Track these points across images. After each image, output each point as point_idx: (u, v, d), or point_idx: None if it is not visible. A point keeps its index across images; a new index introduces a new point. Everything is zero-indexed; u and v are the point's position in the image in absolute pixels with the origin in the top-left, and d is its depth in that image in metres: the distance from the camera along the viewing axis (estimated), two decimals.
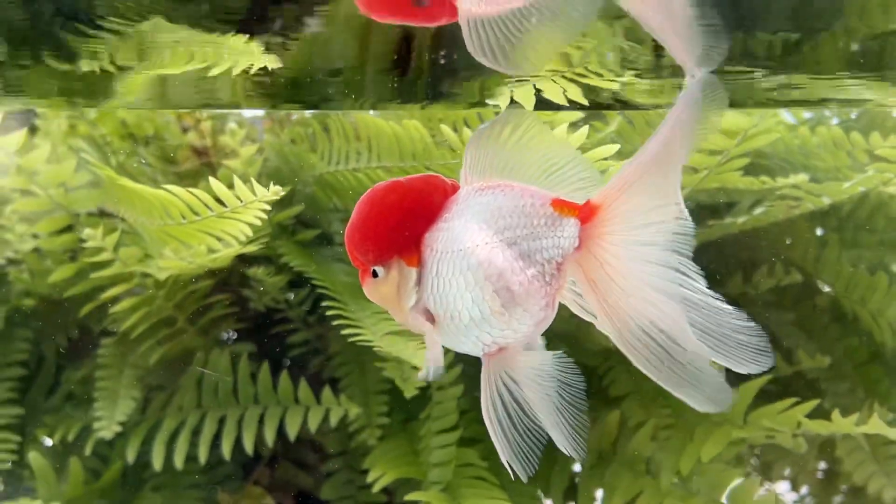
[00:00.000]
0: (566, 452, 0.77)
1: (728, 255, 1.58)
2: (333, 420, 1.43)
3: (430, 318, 0.79)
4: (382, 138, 1.35)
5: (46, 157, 1.43)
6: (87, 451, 1.56)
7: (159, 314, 1.54)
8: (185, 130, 1.93)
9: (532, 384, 0.77)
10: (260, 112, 1.89)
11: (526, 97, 0.99)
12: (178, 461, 1.53)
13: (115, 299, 1.54)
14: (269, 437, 1.48)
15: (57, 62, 1.26)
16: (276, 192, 1.11)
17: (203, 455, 1.52)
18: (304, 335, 1.62)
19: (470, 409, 1.43)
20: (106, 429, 1.53)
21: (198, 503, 1.62)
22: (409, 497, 1.26)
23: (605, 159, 1.03)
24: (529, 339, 0.78)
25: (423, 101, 1.40)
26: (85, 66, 1.24)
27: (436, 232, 0.78)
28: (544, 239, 0.75)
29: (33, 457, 1.51)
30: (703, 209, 1.51)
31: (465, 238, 0.77)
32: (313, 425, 1.45)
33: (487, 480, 1.34)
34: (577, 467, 1.56)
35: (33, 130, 1.61)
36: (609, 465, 1.45)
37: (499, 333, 0.76)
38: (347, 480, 1.59)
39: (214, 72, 1.10)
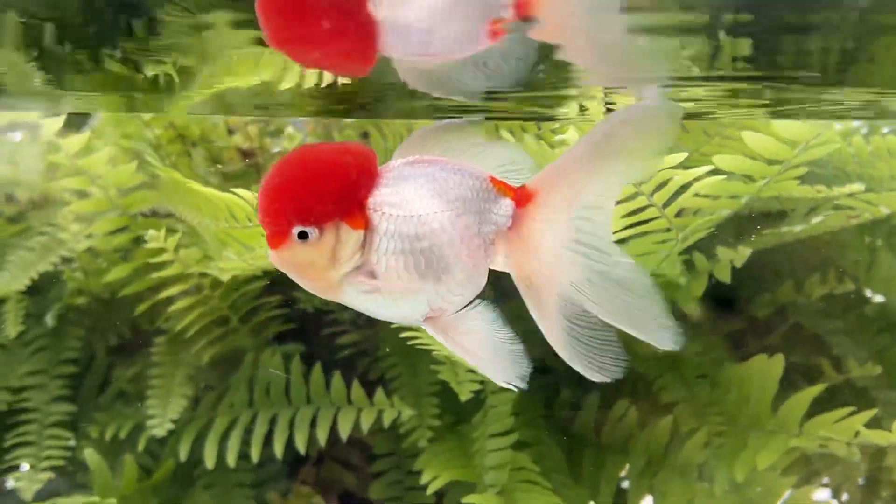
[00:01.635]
0: (510, 387, 0.79)
1: (781, 263, 1.58)
2: (387, 421, 1.45)
3: (371, 283, 0.78)
4: None
5: (108, 159, 1.45)
6: (140, 448, 1.58)
7: (213, 314, 1.56)
8: (231, 133, 1.96)
9: (471, 340, 0.79)
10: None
11: (596, 111, 1.00)
12: (231, 459, 1.54)
13: (168, 299, 1.57)
14: (322, 437, 1.50)
15: (118, 66, 1.27)
16: None
17: (255, 454, 1.53)
18: (354, 336, 1.64)
19: (520, 412, 1.44)
20: (159, 426, 1.55)
21: (247, 501, 1.64)
22: (466, 499, 1.27)
23: (673, 168, 1.03)
24: (460, 306, 0.80)
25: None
26: (150, 70, 1.26)
27: (382, 196, 0.78)
28: (485, 213, 0.79)
29: (89, 453, 1.53)
30: (758, 218, 1.51)
31: (420, 205, 0.78)
32: (366, 426, 1.46)
33: (539, 484, 1.35)
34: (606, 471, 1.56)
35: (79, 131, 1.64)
36: (659, 471, 1.45)
37: (439, 300, 0.79)
38: (395, 481, 1.61)
39: (284, 85, 1.11)
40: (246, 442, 1.56)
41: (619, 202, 1.11)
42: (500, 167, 0.83)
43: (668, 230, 1.18)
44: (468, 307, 0.81)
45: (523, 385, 0.80)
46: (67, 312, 1.71)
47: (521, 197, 0.79)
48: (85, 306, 1.71)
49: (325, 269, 0.78)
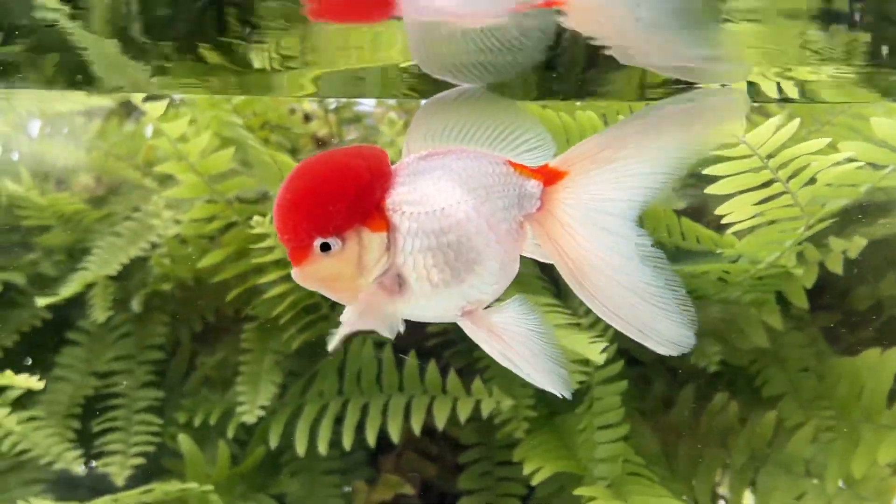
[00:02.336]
0: (553, 391, 0.78)
1: (883, 256, 1.54)
2: (485, 411, 1.43)
3: (399, 286, 0.76)
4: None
5: (205, 145, 1.44)
6: (230, 434, 1.58)
7: (304, 301, 1.55)
8: (307, 120, 1.94)
9: (508, 334, 0.77)
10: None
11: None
12: (323, 447, 1.54)
13: (256, 286, 1.56)
14: (416, 426, 1.48)
15: (214, 53, 1.26)
16: None
17: (347, 442, 1.52)
18: (444, 324, 1.62)
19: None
20: (249, 413, 1.55)
21: (334, 489, 1.63)
22: (577, 491, 1.25)
23: (815, 153, 1.00)
24: (496, 296, 0.79)
25: (573, 97, 1.39)
26: (256, 61, 1.24)
27: (400, 195, 0.76)
28: (509, 198, 0.77)
29: (183, 439, 1.53)
30: (861, 208, 1.47)
31: (441, 198, 0.76)
32: (463, 416, 1.45)
33: (645, 476, 1.32)
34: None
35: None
36: (763, 466, 1.42)
37: (475, 292, 0.77)
38: (485, 472, 1.59)
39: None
40: (336, 431, 1.55)
41: (752, 188, 1.08)
42: (518, 147, 0.80)
43: (795, 219, 1.15)
44: (504, 302, 0.79)
45: (567, 392, 0.78)
46: (153, 298, 1.70)
47: (550, 176, 0.78)
48: (170, 292, 1.70)
49: (352, 278, 0.76)
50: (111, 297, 1.66)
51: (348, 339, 1.61)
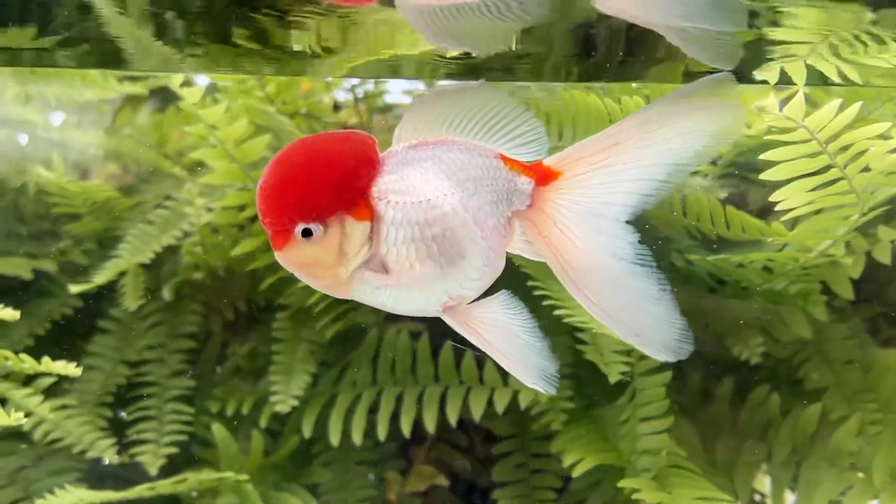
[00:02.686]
0: (538, 388, 0.77)
1: None
2: (523, 403, 1.41)
3: (383, 275, 0.75)
4: (591, 115, 1.32)
5: (242, 132, 1.43)
6: (263, 424, 1.57)
7: None
8: (336, 109, 1.93)
9: (492, 331, 0.77)
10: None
11: (797, 73, 0.95)
12: (357, 437, 1.52)
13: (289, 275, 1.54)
14: (453, 417, 1.47)
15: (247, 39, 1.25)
16: None
17: (382, 432, 1.51)
18: None
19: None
20: (282, 402, 1.53)
21: (366, 480, 1.62)
22: (620, 483, 1.24)
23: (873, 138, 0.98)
24: (483, 290, 0.78)
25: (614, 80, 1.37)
26: (296, 45, 1.23)
27: (386, 184, 0.75)
28: (498, 192, 0.76)
29: (217, 428, 1.52)
30: None
31: (428, 189, 0.75)
32: (500, 407, 1.43)
33: (688, 469, 1.30)
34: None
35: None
36: (805, 459, 1.40)
37: (458, 287, 0.75)
38: (519, 464, 1.57)
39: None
40: (369, 421, 1.54)
41: (808, 174, 1.06)
42: (512, 140, 0.79)
43: (850, 207, 1.12)
44: (489, 296, 0.78)
45: (552, 389, 0.77)
46: (184, 287, 1.69)
47: (543, 175, 0.77)
48: (201, 281, 1.69)
49: (333, 265, 0.74)
50: (142, 285, 1.65)
51: (383, 330, 1.60)
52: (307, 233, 0.73)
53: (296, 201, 0.72)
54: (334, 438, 1.53)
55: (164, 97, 1.89)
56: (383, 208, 0.74)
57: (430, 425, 1.48)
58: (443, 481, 1.58)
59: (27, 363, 1.25)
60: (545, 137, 0.79)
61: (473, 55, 1.10)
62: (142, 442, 1.57)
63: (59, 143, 1.89)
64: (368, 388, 1.57)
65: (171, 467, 1.55)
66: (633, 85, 1.30)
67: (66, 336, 1.71)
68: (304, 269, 0.75)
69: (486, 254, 0.76)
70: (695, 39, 0.88)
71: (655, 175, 0.76)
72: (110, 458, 1.52)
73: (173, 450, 1.55)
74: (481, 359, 1.48)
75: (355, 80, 1.84)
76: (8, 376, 1.54)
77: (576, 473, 1.31)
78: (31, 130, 1.87)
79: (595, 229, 0.76)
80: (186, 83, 1.48)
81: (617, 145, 0.75)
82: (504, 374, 1.46)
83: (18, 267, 1.70)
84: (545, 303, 1.25)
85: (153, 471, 1.53)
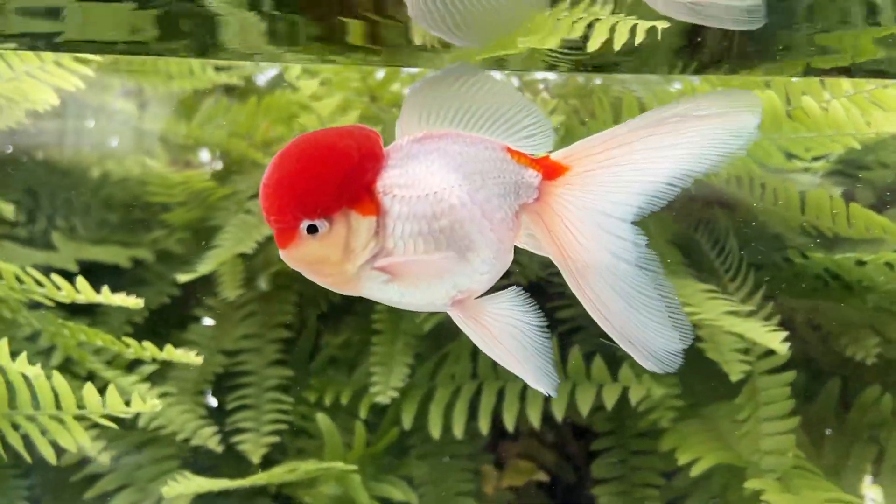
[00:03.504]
0: (540, 389, 0.76)
1: None
2: (634, 399, 1.40)
3: (390, 271, 0.74)
4: None
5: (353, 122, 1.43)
6: (363, 415, 1.57)
7: None
8: None
9: (499, 326, 0.76)
10: None
11: None
12: (458, 431, 1.52)
13: None
14: (559, 413, 1.46)
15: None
16: None
17: (485, 426, 1.51)
18: (578, 310, 1.59)
19: None
20: (382, 394, 1.53)
21: (463, 474, 1.61)
22: (747, 484, 1.22)
23: None
24: (491, 284, 0.77)
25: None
26: (417, 40, 1.22)
27: (391, 178, 0.74)
28: (506, 185, 0.75)
29: (321, 418, 1.52)
30: None
31: (433, 182, 0.74)
32: (609, 403, 1.42)
33: (808, 469, 1.29)
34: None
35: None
36: None
37: (467, 280, 0.74)
38: (620, 460, 1.56)
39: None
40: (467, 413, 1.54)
41: None
42: (517, 133, 0.77)
43: None
44: (499, 291, 0.77)
45: (553, 392, 0.76)
46: (279, 277, 1.70)
47: (551, 169, 0.75)
48: (296, 272, 1.69)
49: (339, 262, 0.73)
50: (240, 274, 1.66)
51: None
52: (312, 229, 0.72)
53: (299, 198, 0.72)
54: (435, 431, 1.53)
55: (255, 87, 1.90)
56: (389, 203, 0.74)
57: (535, 421, 1.47)
58: (542, 476, 1.57)
59: (149, 350, 1.26)
60: (551, 131, 0.77)
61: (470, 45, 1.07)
62: (242, 430, 1.58)
63: (150, 133, 1.91)
64: (468, 381, 1.57)
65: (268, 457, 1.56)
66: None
67: (163, 325, 1.72)
68: (311, 266, 0.75)
69: (495, 246, 0.75)
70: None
71: (664, 178, 0.74)
72: (214, 446, 1.53)
73: (274, 439, 1.56)
74: (591, 355, 1.47)
75: None
76: (111, 363, 1.56)
77: (694, 472, 1.29)
78: (127, 121, 1.88)
79: (600, 227, 0.74)
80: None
81: (627, 144, 0.74)
82: (613, 370, 1.45)
83: (115, 255, 1.72)
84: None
85: (255, 459, 1.54)
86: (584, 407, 1.44)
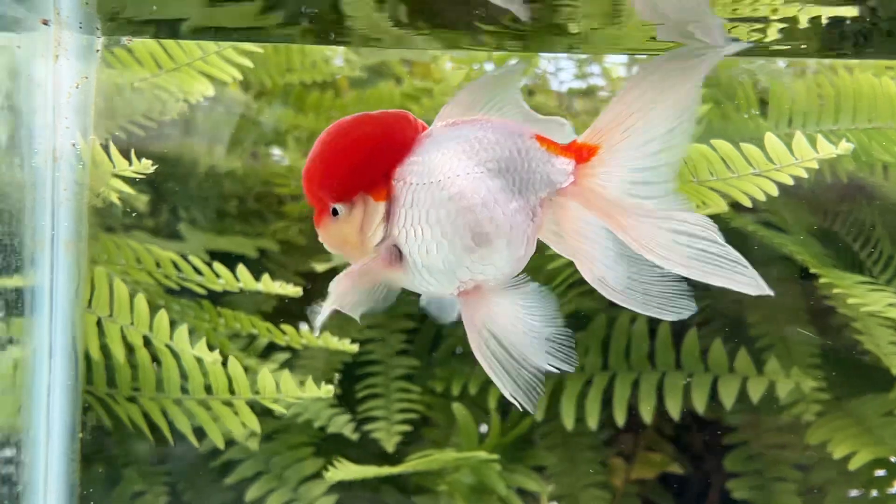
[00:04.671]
0: (516, 403, 0.77)
1: None
2: (782, 393, 1.39)
3: (397, 256, 0.75)
4: (861, 98, 1.28)
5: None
6: (492, 405, 1.57)
7: (576, 275, 1.53)
8: (529, 94, 1.91)
9: (513, 321, 0.75)
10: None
11: None
12: (592, 423, 1.52)
13: None
14: (700, 405, 1.45)
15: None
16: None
17: (620, 418, 1.50)
18: (708, 300, 1.58)
19: None
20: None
21: (591, 465, 1.61)
22: None
23: None
24: (507, 277, 0.76)
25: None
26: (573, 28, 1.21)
27: (409, 165, 0.75)
28: (530, 173, 0.74)
29: (457, 408, 1.53)
30: None
31: (444, 168, 0.74)
32: (755, 396, 1.41)
33: None
34: None
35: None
36: None
37: (478, 269, 0.74)
38: (756, 454, 1.55)
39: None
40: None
41: None
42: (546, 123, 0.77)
43: None
44: (514, 286, 0.76)
45: (531, 408, 0.76)
46: None
47: (582, 152, 0.74)
48: None
49: (357, 245, 0.76)
50: None
51: (612, 314, 1.59)
52: (335, 212, 0.76)
53: (322, 182, 0.76)
54: (568, 422, 1.53)
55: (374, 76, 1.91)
56: (399, 189, 0.75)
57: (674, 413, 1.47)
58: (677, 469, 1.56)
59: (306, 338, 1.27)
60: (569, 125, 0.77)
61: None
62: (374, 419, 1.59)
63: (267, 125, 1.92)
64: (599, 372, 1.56)
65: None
66: None
67: (288, 314, 1.74)
68: (336, 247, 0.79)
69: (507, 237, 0.74)
70: None
71: (679, 123, 0.72)
72: (349, 434, 1.54)
73: (406, 427, 1.57)
74: (735, 348, 1.46)
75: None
76: (246, 349, 1.58)
77: (853, 466, 1.28)
78: (249, 113, 1.90)
79: (642, 196, 0.73)
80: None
81: (642, 102, 0.72)
82: (759, 363, 1.43)
83: (242, 245, 1.74)
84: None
85: (389, 448, 1.55)
86: (728, 400, 1.43)
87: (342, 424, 1.55)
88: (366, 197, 0.76)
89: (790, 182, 1.12)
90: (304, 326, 1.54)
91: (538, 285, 0.77)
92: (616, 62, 1.82)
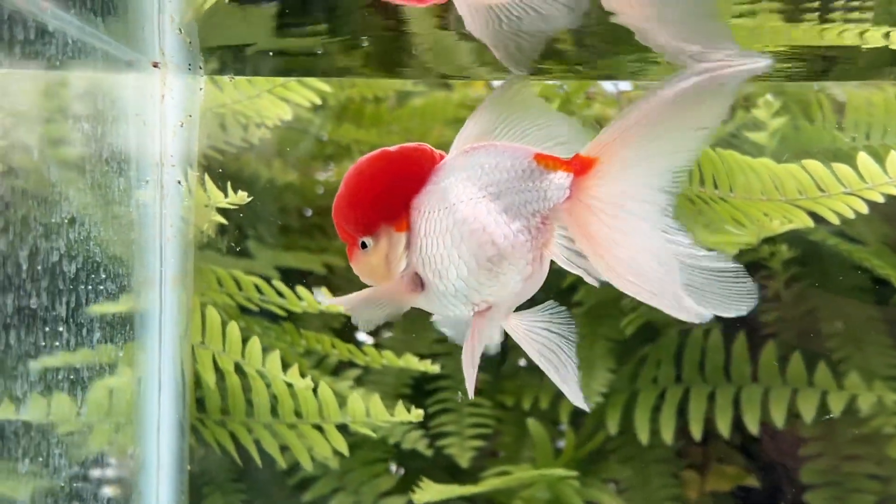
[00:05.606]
0: (577, 404, 0.79)
1: None
2: (864, 407, 1.38)
3: (420, 283, 0.78)
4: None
5: None
6: (564, 419, 1.58)
7: None
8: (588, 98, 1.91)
9: (526, 341, 0.77)
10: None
11: None
12: (667, 436, 1.52)
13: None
14: (778, 419, 1.44)
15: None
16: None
17: (696, 431, 1.50)
18: (780, 313, 1.57)
19: None
20: (585, 398, 1.53)
21: (665, 478, 1.61)
22: None
23: None
24: (519, 297, 0.77)
25: None
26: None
27: (424, 195, 0.78)
28: (529, 192, 0.75)
29: (531, 423, 1.53)
30: None
31: (450, 196, 0.76)
32: (837, 409, 1.40)
33: None
34: None
35: None
36: None
37: (487, 290, 0.75)
38: (831, 467, 1.54)
39: None
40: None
41: None
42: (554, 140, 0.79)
43: None
44: (534, 309, 0.77)
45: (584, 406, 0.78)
46: None
47: (580, 166, 0.74)
48: None
49: (385, 274, 0.79)
50: None
51: (685, 327, 1.58)
52: (364, 245, 0.80)
53: (347, 217, 0.80)
54: (643, 436, 1.53)
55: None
56: (415, 218, 0.78)
57: (752, 427, 1.46)
58: (753, 482, 1.56)
59: (387, 358, 1.28)
60: (584, 136, 0.78)
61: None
62: (446, 434, 1.60)
63: (328, 140, 1.94)
64: (672, 385, 1.56)
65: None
66: None
67: (355, 329, 1.75)
68: (367, 278, 0.82)
69: (510, 257, 0.75)
70: None
71: (684, 147, 0.72)
72: (423, 450, 1.55)
73: (480, 443, 1.58)
74: (814, 359, 1.45)
75: None
76: (317, 366, 1.59)
77: None
78: (306, 129, 1.92)
79: (635, 214, 0.72)
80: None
81: (647, 121, 0.71)
82: (838, 377, 1.43)
83: (308, 261, 1.76)
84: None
85: (463, 463, 1.56)
86: (808, 414, 1.42)
87: (416, 440, 1.56)
88: (388, 228, 0.79)
89: (881, 200, 1.11)
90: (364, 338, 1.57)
91: (554, 305, 0.79)
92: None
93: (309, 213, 1.85)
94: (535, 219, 0.76)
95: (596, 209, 0.74)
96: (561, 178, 0.76)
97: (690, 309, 0.73)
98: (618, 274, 0.74)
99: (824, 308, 1.52)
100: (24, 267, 0.59)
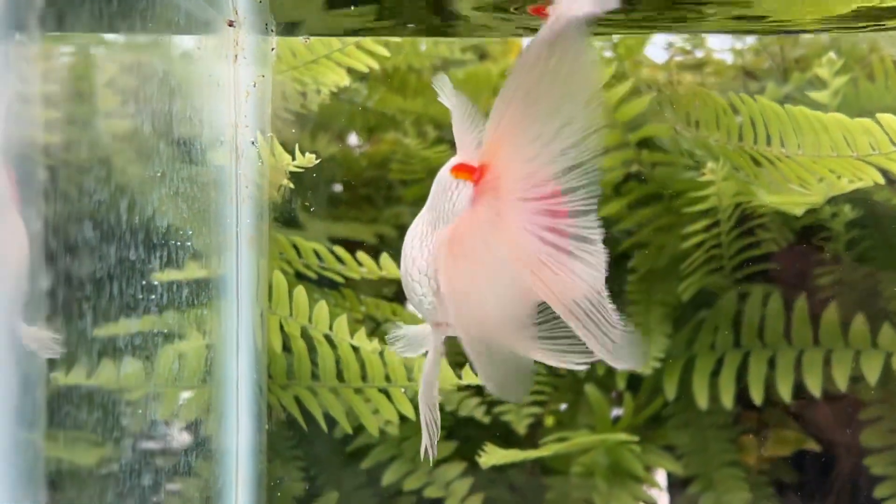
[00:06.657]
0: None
1: None
2: None
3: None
4: None
5: (625, 92, 1.41)
6: (621, 385, 1.57)
7: (710, 251, 1.52)
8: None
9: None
10: None
11: None
12: (727, 401, 1.51)
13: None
14: (841, 382, 1.43)
15: None
16: None
17: (757, 397, 1.49)
18: (838, 276, 1.55)
19: None
20: (645, 365, 1.53)
21: (723, 444, 1.60)
22: None
23: None
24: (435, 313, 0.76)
25: None
26: None
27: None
28: (453, 205, 0.70)
29: (590, 390, 1.53)
30: None
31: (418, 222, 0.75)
32: None
33: None
34: None
35: None
36: None
37: (419, 310, 0.76)
38: (892, 430, 1.52)
39: None
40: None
41: None
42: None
43: None
44: None
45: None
46: None
47: (479, 173, 0.66)
48: None
49: None
50: None
51: (743, 291, 1.57)
52: None
53: None
54: (701, 401, 1.52)
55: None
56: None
57: (815, 390, 1.45)
58: (814, 446, 1.54)
59: None
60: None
61: None
62: (501, 402, 1.60)
63: (374, 110, 1.93)
64: (731, 350, 1.55)
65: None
66: None
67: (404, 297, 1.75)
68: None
69: (424, 270, 0.73)
70: None
71: (583, 113, 0.60)
72: (480, 417, 1.55)
73: (537, 409, 1.58)
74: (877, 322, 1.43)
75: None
76: (373, 333, 1.60)
77: None
78: (353, 99, 1.91)
79: (527, 229, 0.63)
80: None
81: (526, 105, 0.61)
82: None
83: (361, 232, 1.76)
84: None
85: (520, 430, 1.56)
86: (872, 376, 1.41)
87: (473, 407, 1.56)
88: None
89: None
90: None
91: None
92: None
93: (356, 183, 1.85)
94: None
95: (493, 219, 0.65)
96: (467, 189, 0.70)
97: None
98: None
99: (886, 270, 1.50)
100: (124, 218, 0.59)
